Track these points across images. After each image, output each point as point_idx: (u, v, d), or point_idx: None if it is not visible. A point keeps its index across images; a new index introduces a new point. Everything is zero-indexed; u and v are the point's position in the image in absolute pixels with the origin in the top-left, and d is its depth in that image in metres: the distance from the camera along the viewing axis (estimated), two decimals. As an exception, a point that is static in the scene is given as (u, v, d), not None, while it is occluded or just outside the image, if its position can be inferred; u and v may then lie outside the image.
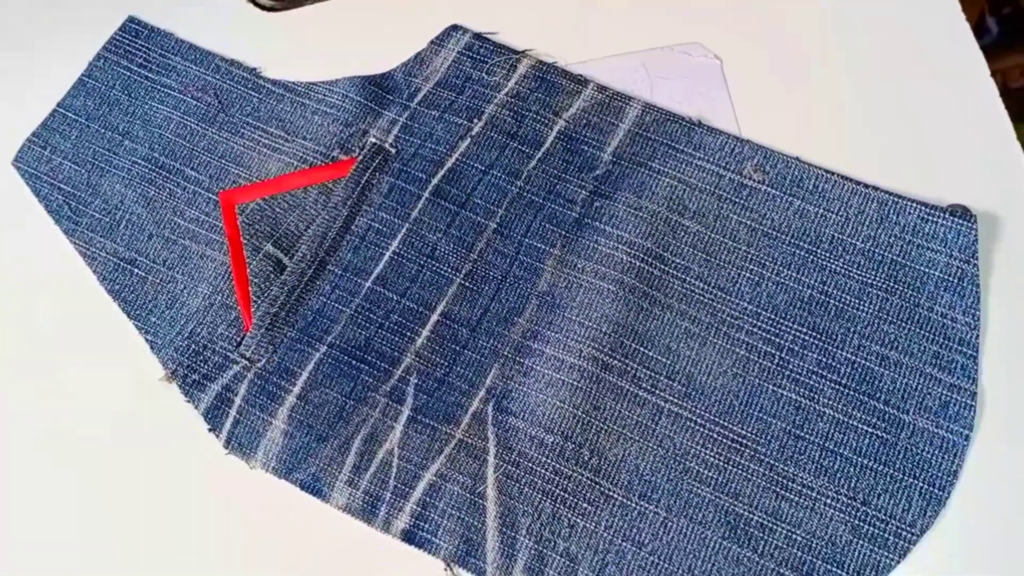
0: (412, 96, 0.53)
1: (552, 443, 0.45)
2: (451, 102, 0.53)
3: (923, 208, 0.48)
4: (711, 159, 0.50)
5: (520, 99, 0.52)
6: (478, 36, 0.54)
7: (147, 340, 0.48)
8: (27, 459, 0.47)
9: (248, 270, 0.49)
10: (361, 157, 0.51)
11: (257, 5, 0.57)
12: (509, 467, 0.45)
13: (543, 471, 0.44)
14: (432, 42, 0.54)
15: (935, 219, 0.47)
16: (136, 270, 0.50)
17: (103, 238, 0.51)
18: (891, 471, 0.44)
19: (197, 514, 0.46)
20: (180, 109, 0.54)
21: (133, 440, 0.47)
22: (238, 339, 0.48)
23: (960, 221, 0.47)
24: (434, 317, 0.48)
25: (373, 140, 0.52)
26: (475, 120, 0.52)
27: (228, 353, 0.48)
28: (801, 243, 0.48)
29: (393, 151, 0.51)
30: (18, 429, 0.48)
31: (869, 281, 0.47)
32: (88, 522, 0.46)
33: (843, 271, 0.47)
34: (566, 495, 0.44)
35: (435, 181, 0.51)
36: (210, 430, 0.47)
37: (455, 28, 0.55)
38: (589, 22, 0.55)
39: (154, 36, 0.56)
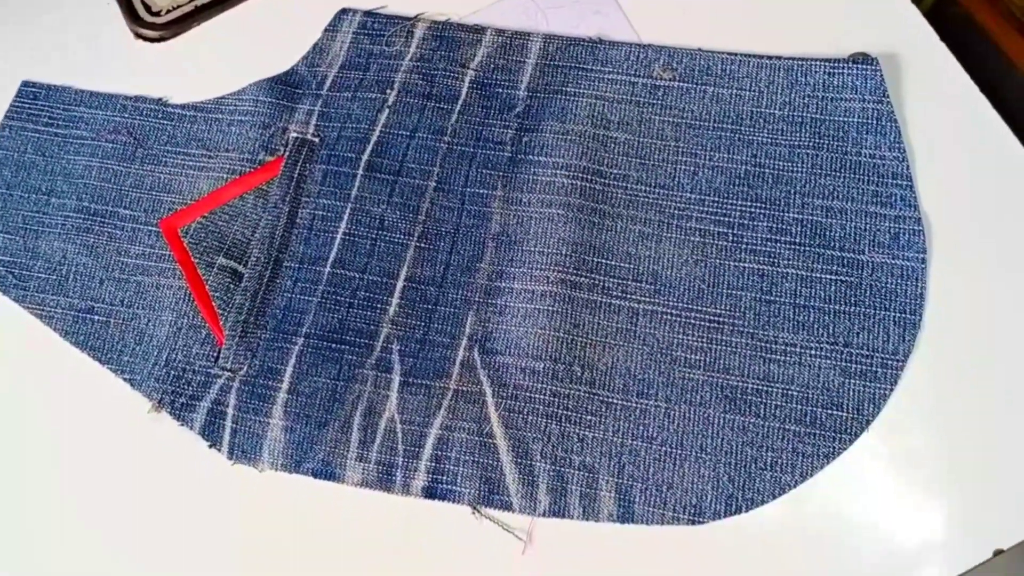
0: (320, 84, 0.54)
1: (543, 368, 0.46)
2: (360, 80, 0.53)
3: (827, 64, 0.50)
4: (620, 70, 0.52)
5: (425, 61, 0.53)
6: (369, 13, 0.55)
7: (125, 379, 0.48)
8: (47, 517, 0.47)
9: (207, 287, 0.49)
10: (288, 153, 0.52)
11: (143, 39, 0.57)
12: (508, 402, 0.46)
13: (541, 396, 0.45)
14: (326, 30, 0.55)
15: (841, 71, 0.50)
16: (96, 317, 0.50)
17: (55, 295, 0.51)
18: (862, 309, 0.46)
19: (221, 530, 0.46)
20: (98, 155, 0.54)
21: (139, 476, 0.47)
22: (215, 355, 0.48)
23: (864, 67, 0.49)
24: (399, 284, 0.49)
25: (295, 135, 0.52)
26: (388, 91, 0.53)
27: (208, 370, 0.48)
28: (724, 125, 0.50)
29: (317, 140, 0.52)
30: (32, 493, 0.47)
31: (795, 143, 0.49)
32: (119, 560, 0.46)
33: (769, 140, 0.49)
34: (568, 412, 0.45)
35: (365, 157, 0.51)
36: (210, 446, 0.47)
37: (344, 11, 0.56)
38: (471, -24, 0.57)
39: (53, 93, 0.56)
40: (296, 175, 0.51)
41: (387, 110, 0.52)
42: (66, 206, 0.53)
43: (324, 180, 0.51)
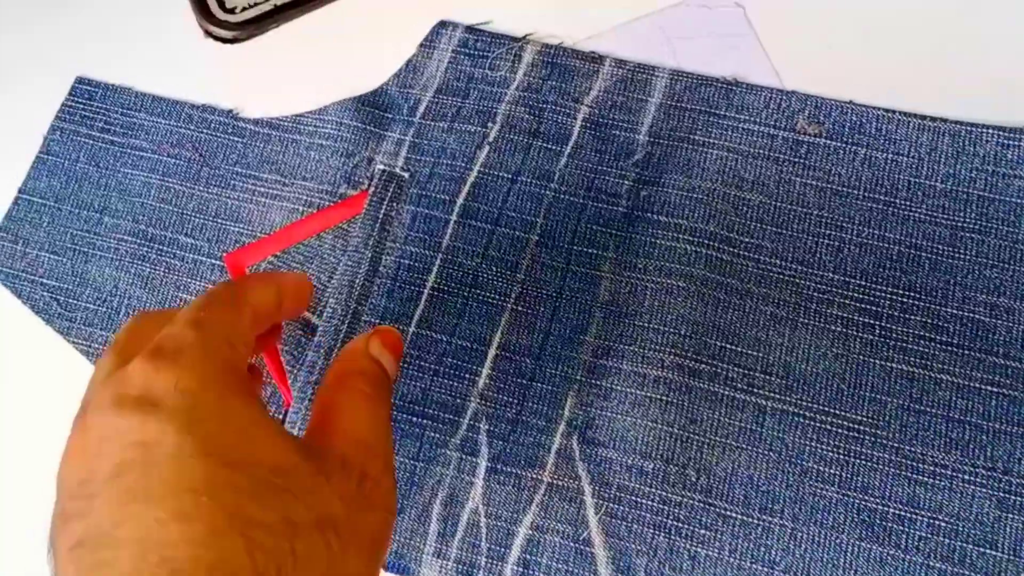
0: (413, 110, 0.47)
1: (653, 469, 0.40)
2: (458, 109, 0.47)
3: (1001, 133, 0.43)
4: (758, 119, 0.45)
5: (534, 91, 0.47)
6: (470, 29, 0.49)
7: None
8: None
9: (276, 340, 0.43)
10: (373, 189, 0.46)
11: (215, 39, 0.51)
12: (611, 504, 0.40)
13: (649, 502, 0.40)
14: (421, 45, 0.49)
15: (1018, 142, 0.43)
16: (149, 360, 0.45)
17: (103, 331, 0.45)
18: (1027, 430, 0.39)
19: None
20: (158, 171, 0.48)
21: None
22: (281, 416, 0.43)
23: (1046, 140, 0.42)
24: (492, 352, 0.43)
25: (381, 167, 0.46)
26: (489, 124, 0.46)
27: (273, 435, 0.42)
28: (876, 195, 0.43)
29: (406, 175, 0.46)
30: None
31: (958, 224, 0.42)
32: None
33: (928, 218, 0.43)
34: (680, 524, 0.40)
35: (460, 201, 0.45)
36: None
37: (443, 25, 0.49)
38: (587, -10, 0.50)
39: (110, 94, 0.50)
40: (382, 215, 0.45)
41: (487, 147, 0.46)
42: (120, 227, 0.47)
43: (413, 224, 0.45)
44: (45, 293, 0.46)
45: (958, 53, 0.46)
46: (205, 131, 0.48)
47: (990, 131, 0.43)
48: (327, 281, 0.44)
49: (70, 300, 0.46)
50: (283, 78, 0.50)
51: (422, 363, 0.43)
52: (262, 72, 0.50)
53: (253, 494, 0.25)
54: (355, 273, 0.44)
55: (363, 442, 0.31)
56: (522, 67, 0.47)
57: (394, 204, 0.45)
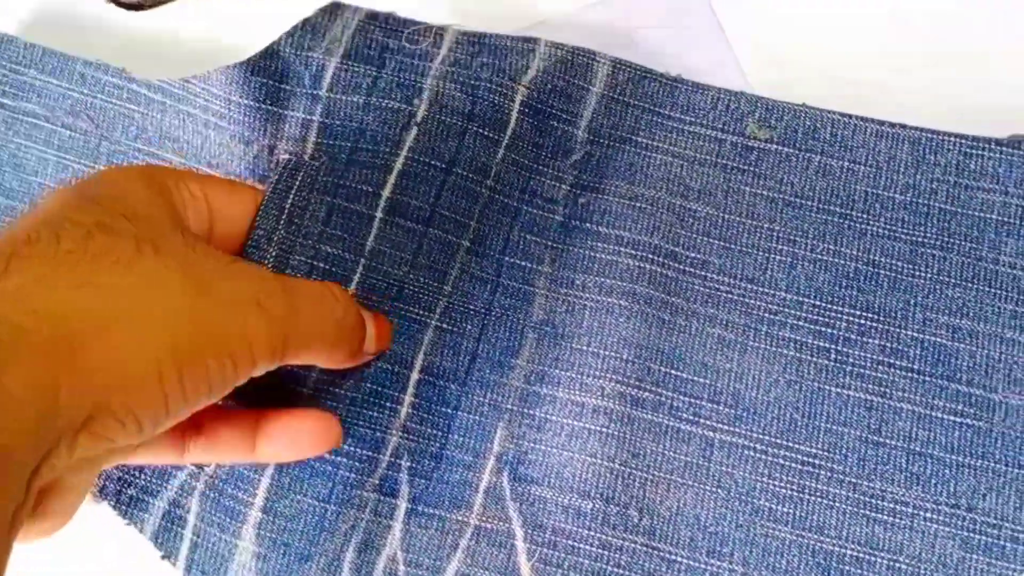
0: (317, 79, 0.40)
1: (592, 509, 0.36)
2: (374, 79, 0.41)
3: (964, 141, 0.40)
4: (704, 122, 0.41)
5: (463, 67, 0.41)
6: (372, 15, 0.42)
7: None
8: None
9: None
10: (276, 178, 0.39)
11: (117, 4, 0.45)
12: (545, 550, 0.36)
13: (587, 547, 0.36)
14: (320, 9, 0.41)
15: (981, 152, 0.40)
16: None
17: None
18: (991, 463, 0.37)
19: None
20: (54, 144, 0.42)
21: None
22: (173, 448, 0.38)
23: (1009, 150, 0.40)
24: (414, 376, 0.38)
25: (285, 156, 0.40)
26: (416, 101, 0.40)
27: (165, 465, 0.37)
28: (831, 207, 0.40)
29: (317, 164, 0.40)
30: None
31: (919, 239, 0.39)
32: None
33: (887, 232, 0.39)
34: (621, 571, 0.36)
35: (386, 193, 0.39)
36: (163, 557, 0.37)
37: (337, 6, 0.42)
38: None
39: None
40: (288, 206, 0.38)
41: (415, 128, 0.40)
42: (16, 211, 0.41)
43: (329, 219, 0.39)
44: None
45: (918, 46, 0.43)
46: (100, 96, 0.42)
47: (952, 139, 0.40)
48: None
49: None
50: (184, 45, 0.44)
51: (337, 390, 0.38)
52: (165, 38, 0.44)
53: None
54: (259, 284, 0.39)
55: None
56: (446, 42, 0.41)
57: (304, 193, 0.39)
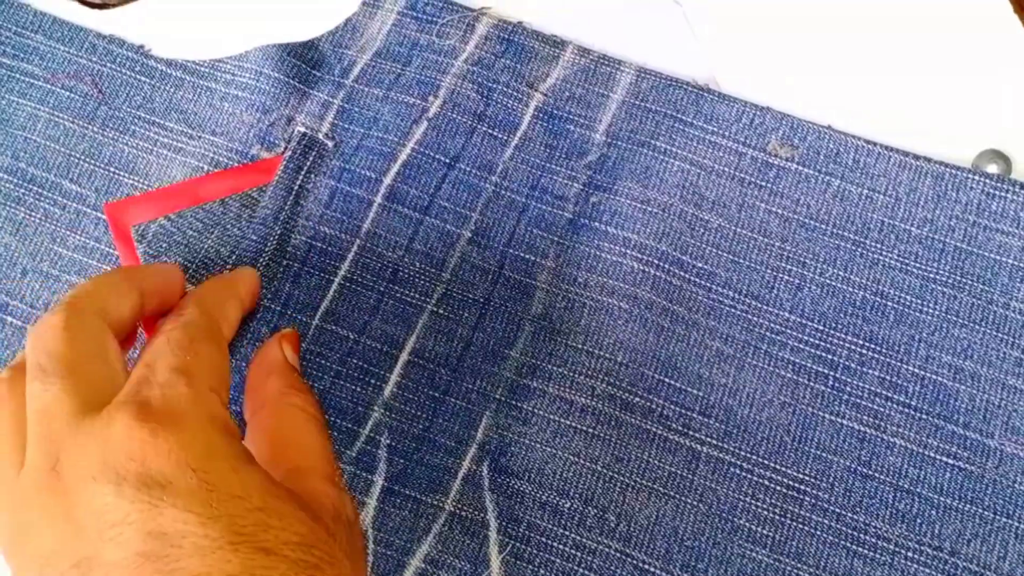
0: (346, 72, 0.42)
1: (569, 509, 0.36)
2: (397, 76, 0.42)
3: (987, 181, 0.39)
4: (727, 133, 0.41)
5: (484, 67, 0.42)
6: (411, 4, 0.43)
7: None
8: None
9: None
10: (289, 154, 0.40)
11: (87, 4, 0.44)
12: (517, 544, 0.35)
13: (561, 546, 0.35)
14: (364, 3, 0.43)
15: (1003, 193, 0.39)
16: (9, 318, 0.39)
17: (-39, 280, 0.39)
18: (979, 510, 0.36)
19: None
20: (49, 103, 0.42)
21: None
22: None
23: (1033, 195, 0.39)
24: (403, 357, 0.38)
25: (302, 130, 0.41)
26: (431, 98, 0.41)
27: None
28: (846, 233, 0.39)
29: (330, 144, 0.41)
30: None
31: (931, 275, 0.39)
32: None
33: (899, 264, 0.39)
34: (592, 574, 0.35)
35: (388, 181, 0.40)
36: None
37: None
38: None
39: (5, 9, 0.44)
40: (297, 187, 0.40)
41: (425, 123, 0.41)
42: None
43: (331, 202, 0.40)
44: None
45: (948, 81, 0.42)
46: (109, 64, 0.42)
47: (976, 177, 0.39)
48: (227, 256, 0.39)
49: (-75, 241, 0.40)
50: (210, 22, 0.44)
51: (323, 361, 0.37)
52: (187, 11, 0.44)
53: None
54: (260, 251, 0.39)
55: (330, 477, 0.31)
56: (474, 38, 0.42)
57: (312, 176, 0.40)
